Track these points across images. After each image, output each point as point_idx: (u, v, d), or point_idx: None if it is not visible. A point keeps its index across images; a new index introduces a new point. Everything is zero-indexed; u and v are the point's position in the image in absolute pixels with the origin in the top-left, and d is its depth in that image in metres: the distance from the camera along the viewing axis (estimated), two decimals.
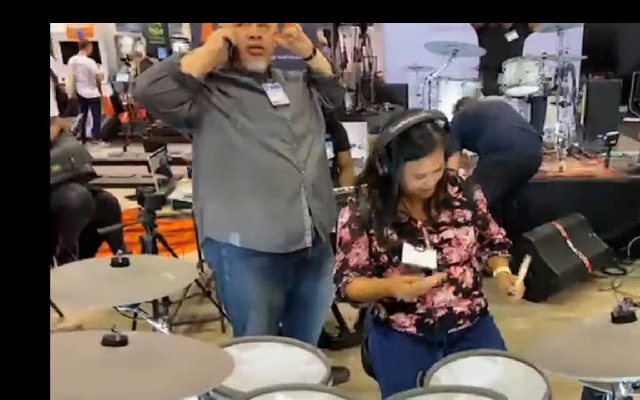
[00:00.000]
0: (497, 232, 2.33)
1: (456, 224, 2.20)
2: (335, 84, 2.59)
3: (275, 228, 2.36)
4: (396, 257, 2.14)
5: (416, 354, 2.12)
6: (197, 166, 2.47)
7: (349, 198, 2.29)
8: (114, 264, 1.87)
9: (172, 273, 1.95)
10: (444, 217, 2.20)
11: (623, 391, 1.51)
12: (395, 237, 2.16)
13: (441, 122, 2.14)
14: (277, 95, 2.43)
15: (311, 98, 2.55)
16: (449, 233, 2.18)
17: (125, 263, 1.87)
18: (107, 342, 1.38)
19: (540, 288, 4.17)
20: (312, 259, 2.46)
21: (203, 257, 3.03)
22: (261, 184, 2.35)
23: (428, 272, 2.12)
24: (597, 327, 1.58)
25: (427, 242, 2.16)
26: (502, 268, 2.24)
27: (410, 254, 2.14)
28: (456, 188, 2.24)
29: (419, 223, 2.18)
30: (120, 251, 1.90)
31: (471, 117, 4.40)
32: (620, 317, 1.53)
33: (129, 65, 10.79)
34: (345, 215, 2.24)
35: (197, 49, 2.37)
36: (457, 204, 2.22)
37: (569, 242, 4.42)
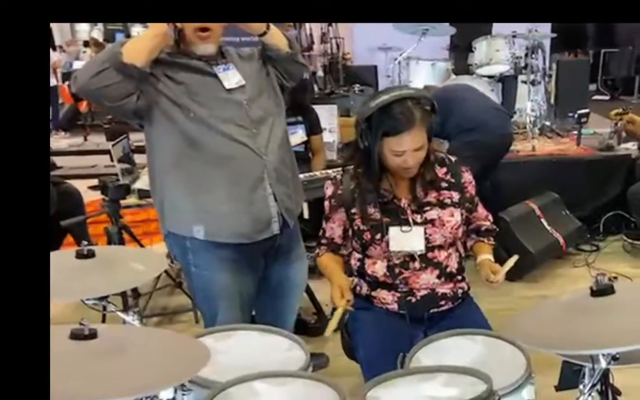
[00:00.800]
0: (484, 216, 2.33)
1: (441, 205, 2.18)
2: (294, 60, 2.47)
3: (240, 218, 2.27)
4: (379, 235, 2.14)
5: (396, 329, 2.11)
6: (151, 158, 2.34)
7: (334, 175, 2.30)
8: (79, 256, 1.80)
9: (140, 263, 1.88)
10: (430, 197, 2.19)
11: (603, 363, 1.51)
12: (378, 214, 2.15)
13: (425, 102, 2.10)
14: (230, 77, 2.30)
15: (268, 76, 2.42)
16: (432, 213, 2.17)
17: (91, 255, 1.80)
18: (76, 336, 1.33)
19: (516, 267, 4.18)
20: (280, 245, 2.39)
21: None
22: (221, 174, 2.24)
23: (411, 255, 2.12)
24: (576, 302, 1.57)
25: (411, 221, 2.14)
26: (485, 255, 2.23)
27: (397, 236, 2.13)
28: (444, 169, 2.23)
29: (403, 202, 2.17)
30: (85, 243, 1.82)
31: (438, 100, 4.33)
32: (599, 291, 1.52)
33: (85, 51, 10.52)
34: (329, 189, 2.28)
35: (140, 35, 2.24)
36: (445, 185, 2.21)
37: (543, 220, 4.45)
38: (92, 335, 1.33)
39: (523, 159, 4.91)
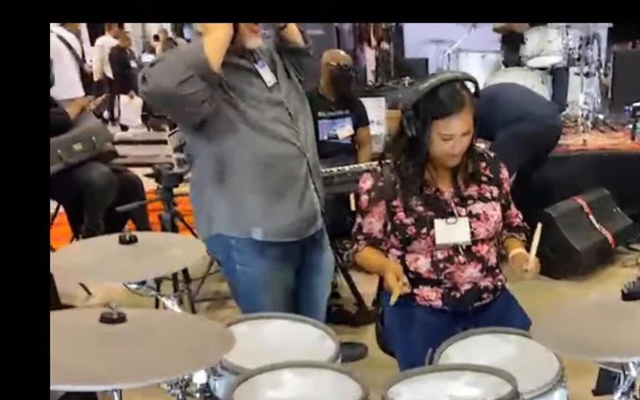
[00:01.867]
0: (515, 214, 2.32)
1: (483, 199, 2.17)
2: (307, 53, 2.47)
3: (293, 217, 2.31)
4: (424, 229, 2.12)
5: (437, 328, 2.08)
6: (203, 163, 2.32)
7: (373, 166, 2.28)
8: (122, 241, 1.86)
9: (179, 249, 1.93)
10: (471, 191, 2.18)
11: (634, 371, 1.46)
12: (421, 208, 2.14)
13: (471, 85, 2.10)
14: (266, 73, 2.31)
15: (288, 71, 2.41)
16: (477, 207, 2.16)
17: (133, 240, 1.86)
18: (105, 319, 1.38)
19: (562, 265, 4.13)
20: (317, 237, 2.44)
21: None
22: (275, 176, 2.27)
23: (456, 249, 2.11)
24: (606, 305, 1.53)
25: (455, 213, 2.14)
26: (517, 249, 2.21)
27: (442, 229, 2.11)
28: (484, 163, 2.22)
29: (446, 194, 2.16)
30: (127, 228, 1.88)
31: (482, 99, 4.25)
32: (631, 294, 1.48)
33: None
34: (367, 182, 2.22)
35: (211, 34, 2.14)
36: (485, 179, 2.20)
37: (591, 217, 4.32)
38: (121, 318, 1.38)
39: (573, 153, 4.79)
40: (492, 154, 2.26)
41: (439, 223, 2.11)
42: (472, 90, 2.11)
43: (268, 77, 2.30)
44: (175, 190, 3.60)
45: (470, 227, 2.13)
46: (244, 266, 2.35)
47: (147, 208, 4.18)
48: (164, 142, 4.17)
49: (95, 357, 1.30)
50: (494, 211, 2.16)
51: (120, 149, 5.78)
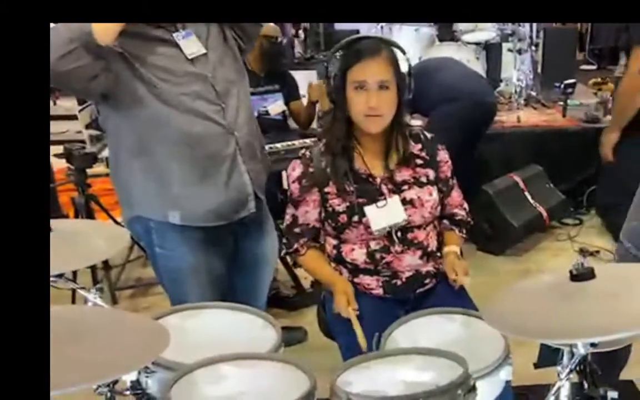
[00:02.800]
0: (459, 204, 2.22)
1: (418, 183, 2.09)
2: None
3: (217, 200, 2.16)
4: (356, 217, 2.04)
5: (379, 313, 2.02)
6: (115, 141, 2.19)
7: (302, 152, 2.17)
8: None
9: (101, 238, 1.78)
10: (405, 175, 2.09)
11: (582, 350, 1.46)
12: (353, 195, 2.05)
13: (392, 44, 2.08)
14: (191, 44, 2.12)
15: (226, 39, 2.25)
16: (411, 193, 2.08)
17: None
18: None
19: (499, 240, 4.22)
20: (251, 220, 2.29)
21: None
22: (194, 155, 2.11)
23: (390, 238, 2.03)
24: (555, 286, 1.51)
25: (387, 196, 2.06)
26: (453, 247, 2.15)
27: (374, 214, 2.03)
28: (419, 145, 2.13)
29: (378, 179, 2.07)
30: None
31: (414, 75, 4.19)
32: (579, 275, 1.46)
33: None
34: (296, 169, 2.12)
35: None
36: (420, 162, 2.12)
37: (526, 193, 4.40)
38: None
39: (508, 130, 4.83)
40: (429, 135, 2.19)
41: (370, 209, 2.03)
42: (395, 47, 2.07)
43: (192, 48, 2.12)
44: (89, 171, 3.41)
45: (405, 213, 2.05)
46: (165, 250, 2.20)
47: (57, 191, 3.93)
48: (75, 117, 3.90)
49: None
50: (429, 196, 2.09)
51: None
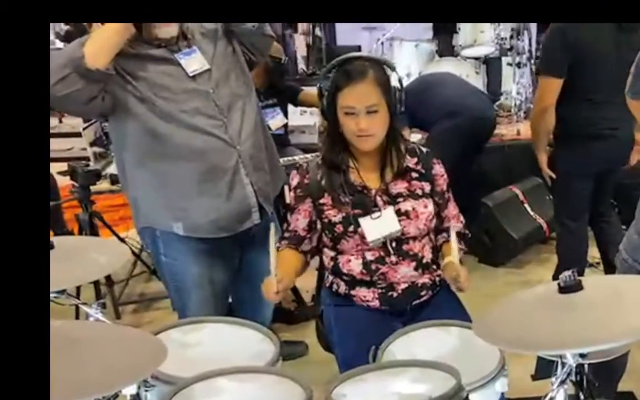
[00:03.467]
0: (455, 216, 2.23)
1: (413, 196, 2.11)
2: (261, 33, 2.36)
3: (219, 213, 2.21)
4: (351, 227, 2.06)
5: (376, 326, 2.04)
6: (119, 154, 2.26)
7: (300, 163, 2.23)
8: None
9: (102, 255, 1.82)
10: (400, 187, 2.12)
11: (571, 361, 1.49)
12: (349, 206, 2.07)
13: (381, 63, 2.09)
14: (193, 61, 2.18)
15: (235, 54, 2.31)
16: (406, 205, 2.10)
17: (50, 247, 1.72)
18: None
19: (499, 252, 4.24)
20: (257, 233, 2.33)
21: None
22: (195, 169, 2.16)
23: (386, 248, 2.06)
24: (543, 298, 1.53)
25: (381, 207, 2.08)
26: (450, 257, 2.11)
27: (369, 226, 2.06)
28: (415, 159, 2.16)
29: (373, 191, 2.10)
30: None
31: (415, 90, 4.18)
32: (567, 287, 1.48)
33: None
34: (294, 179, 2.17)
35: (98, 30, 2.04)
36: (415, 175, 2.14)
37: (526, 205, 4.41)
38: None
39: (508, 143, 4.84)
40: (424, 150, 2.21)
41: (364, 220, 2.06)
42: (391, 74, 2.08)
43: (194, 65, 2.18)
44: (93, 188, 3.45)
45: (400, 224, 2.07)
46: (170, 259, 2.27)
47: (62, 208, 3.98)
48: (79, 134, 3.98)
49: None
50: (424, 208, 2.11)
51: None
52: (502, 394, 1.72)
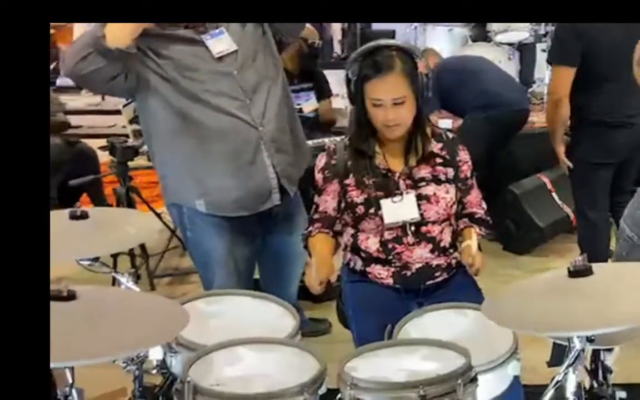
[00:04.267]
0: (477, 203, 2.24)
1: (436, 181, 2.14)
2: None
3: (240, 192, 2.27)
4: (372, 209, 2.11)
5: (390, 303, 2.09)
6: (147, 132, 2.33)
7: (327, 145, 2.24)
8: (73, 216, 1.82)
9: (132, 226, 1.90)
10: (424, 172, 2.15)
11: (578, 345, 1.50)
12: (372, 187, 2.12)
13: (409, 52, 2.08)
14: (220, 43, 2.22)
15: (264, 35, 2.33)
16: (428, 189, 2.13)
17: (84, 216, 1.82)
18: (55, 297, 1.35)
19: (525, 241, 4.20)
20: (279, 213, 2.39)
21: None
22: (217, 149, 2.22)
23: (404, 229, 2.08)
24: (553, 282, 1.56)
25: (403, 192, 2.12)
26: (471, 241, 2.13)
27: (389, 208, 2.10)
28: (440, 145, 2.18)
29: (397, 174, 2.14)
30: (77, 204, 1.85)
31: (451, 70, 4.19)
32: (577, 272, 1.51)
33: None
34: (321, 160, 2.20)
35: None
36: (440, 161, 2.16)
37: (554, 194, 4.36)
38: (71, 296, 1.35)
39: (538, 131, 4.78)
40: (450, 135, 2.23)
41: (385, 203, 2.10)
42: (418, 63, 2.06)
43: (220, 47, 2.22)
44: (131, 164, 3.55)
45: (420, 208, 2.11)
46: (196, 235, 2.34)
47: (102, 181, 4.10)
48: (119, 112, 4.11)
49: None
50: (446, 194, 2.13)
51: (74, 119, 5.61)
52: (516, 377, 1.74)
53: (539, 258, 4.17)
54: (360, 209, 2.13)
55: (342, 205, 2.18)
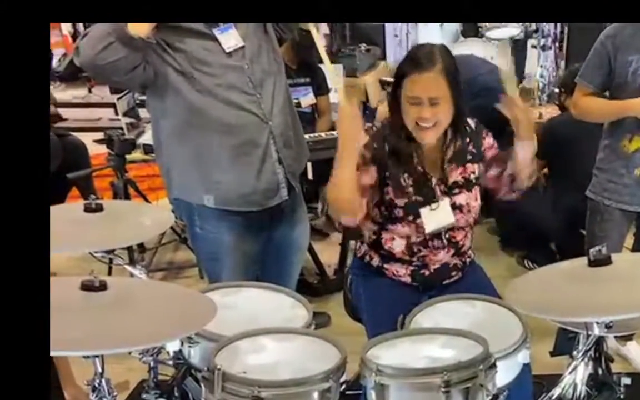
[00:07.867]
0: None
1: (467, 186, 2.13)
2: None
3: (249, 187, 2.27)
4: (411, 216, 2.08)
5: (404, 297, 2.09)
6: (156, 126, 2.32)
7: (373, 125, 2.16)
8: (88, 209, 1.82)
9: (147, 219, 1.91)
10: (456, 175, 2.12)
11: (597, 330, 1.55)
12: (411, 190, 2.08)
13: (453, 57, 2.04)
14: (229, 37, 2.22)
15: (266, 32, 2.34)
16: (460, 198, 2.12)
17: (99, 208, 1.82)
18: (87, 287, 1.36)
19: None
20: (285, 207, 2.40)
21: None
22: (228, 143, 2.22)
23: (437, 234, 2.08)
24: (573, 270, 1.60)
25: (439, 199, 2.10)
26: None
27: (428, 216, 2.08)
28: (467, 139, 2.15)
29: (433, 181, 2.11)
30: (93, 196, 1.84)
31: None
32: (597, 261, 1.55)
33: None
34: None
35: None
36: (469, 157, 2.14)
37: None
38: (103, 286, 1.36)
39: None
40: (474, 125, 2.18)
41: (424, 211, 2.07)
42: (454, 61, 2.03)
43: (230, 41, 2.22)
44: (127, 157, 3.54)
45: (454, 216, 2.10)
46: (204, 231, 2.33)
47: (92, 176, 4.08)
48: (109, 105, 4.07)
49: (78, 324, 1.29)
50: (475, 202, 2.14)
51: (63, 112, 5.54)
52: (526, 365, 1.77)
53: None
54: (399, 212, 2.09)
55: (376, 198, 2.10)
